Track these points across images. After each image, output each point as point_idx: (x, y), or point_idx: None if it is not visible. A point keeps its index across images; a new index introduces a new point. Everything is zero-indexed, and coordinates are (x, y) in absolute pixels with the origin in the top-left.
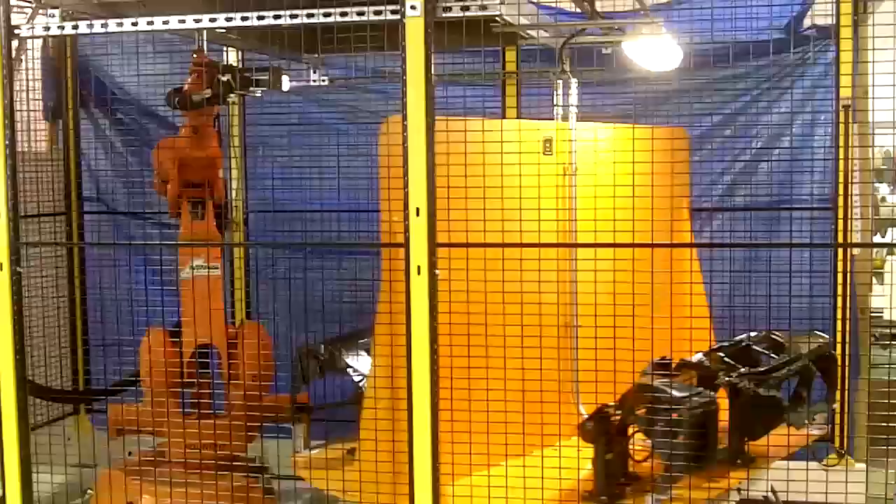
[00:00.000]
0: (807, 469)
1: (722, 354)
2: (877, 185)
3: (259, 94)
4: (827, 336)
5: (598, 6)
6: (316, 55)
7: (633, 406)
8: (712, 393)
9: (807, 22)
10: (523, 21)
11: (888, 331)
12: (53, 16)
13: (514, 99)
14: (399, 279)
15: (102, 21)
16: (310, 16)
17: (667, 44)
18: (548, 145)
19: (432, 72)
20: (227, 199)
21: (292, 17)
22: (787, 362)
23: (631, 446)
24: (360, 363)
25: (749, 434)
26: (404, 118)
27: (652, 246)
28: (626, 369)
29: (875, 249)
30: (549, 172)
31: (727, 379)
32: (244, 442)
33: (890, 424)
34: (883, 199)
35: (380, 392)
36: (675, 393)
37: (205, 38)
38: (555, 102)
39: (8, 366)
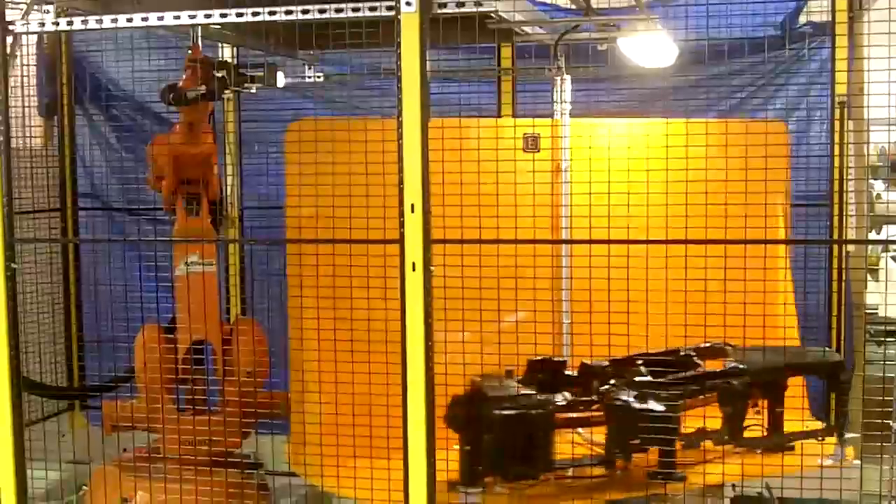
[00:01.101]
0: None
1: (640, 362)
2: (872, 181)
3: (254, 91)
4: (838, 355)
5: (594, 2)
6: (311, 51)
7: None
8: (549, 397)
9: (802, 19)
10: (519, 17)
11: (883, 327)
12: (48, 11)
13: (510, 95)
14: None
15: (97, 17)
16: (305, 12)
17: (662, 40)
18: (531, 142)
19: (427, 68)
20: (222, 196)
21: (287, 13)
22: (697, 377)
23: None
24: None
25: (623, 447)
26: (399, 114)
27: (641, 242)
28: None
29: (870, 246)
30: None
31: (602, 389)
32: (239, 438)
33: (885, 421)
34: (878, 195)
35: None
36: (488, 393)
37: (199, 34)
38: (554, 99)
39: (3, 362)
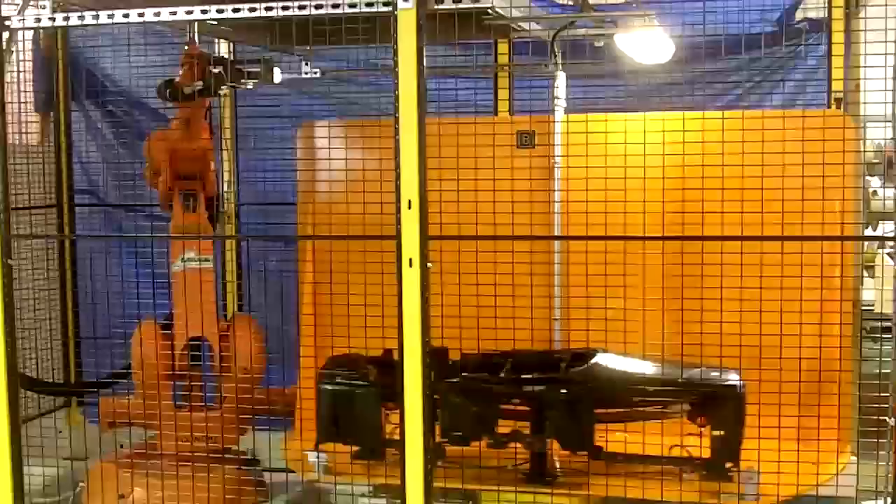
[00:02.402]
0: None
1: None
2: (868, 178)
3: (251, 87)
4: (734, 379)
5: None
6: (307, 47)
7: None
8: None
9: (799, 15)
10: (515, 13)
11: (879, 324)
12: (44, 7)
13: (507, 92)
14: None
15: (93, 13)
16: (301, 7)
17: (659, 37)
18: (526, 138)
19: (424, 64)
20: (219, 192)
21: (284, 8)
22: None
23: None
24: None
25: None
26: (396, 111)
27: (619, 238)
28: None
29: (866, 242)
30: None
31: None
32: (235, 435)
33: (881, 417)
34: (874, 192)
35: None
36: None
37: (196, 30)
38: (556, 95)
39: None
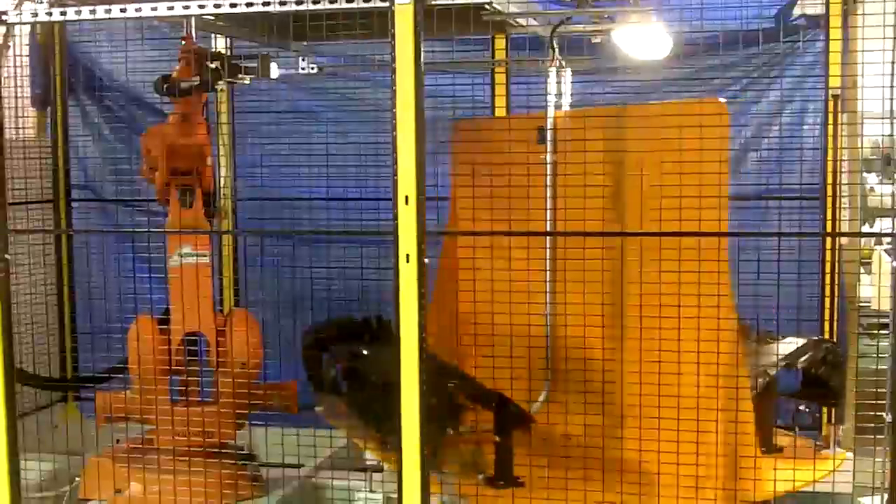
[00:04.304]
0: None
1: None
2: (865, 174)
3: (248, 82)
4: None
5: None
6: (305, 43)
7: None
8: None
9: (796, 11)
10: (513, 9)
11: (876, 320)
12: (41, 2)
13: (504, 87)
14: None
15: (91, 7)
16: (299, 2)
17: (656, 33)
18: (541, 134)
19: (422, 60)
20: (216, 187)
21: (281, 3)
22: None
23: None
24: None
25: None
26: (393, 106)
27: (606, 235)
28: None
29: (863, 239)
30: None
31: None
32: (232, 429)
33: (877, 414)
34: (871, 189)
35: None
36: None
37: (193, 25)
38: (549, 91)
39: None
